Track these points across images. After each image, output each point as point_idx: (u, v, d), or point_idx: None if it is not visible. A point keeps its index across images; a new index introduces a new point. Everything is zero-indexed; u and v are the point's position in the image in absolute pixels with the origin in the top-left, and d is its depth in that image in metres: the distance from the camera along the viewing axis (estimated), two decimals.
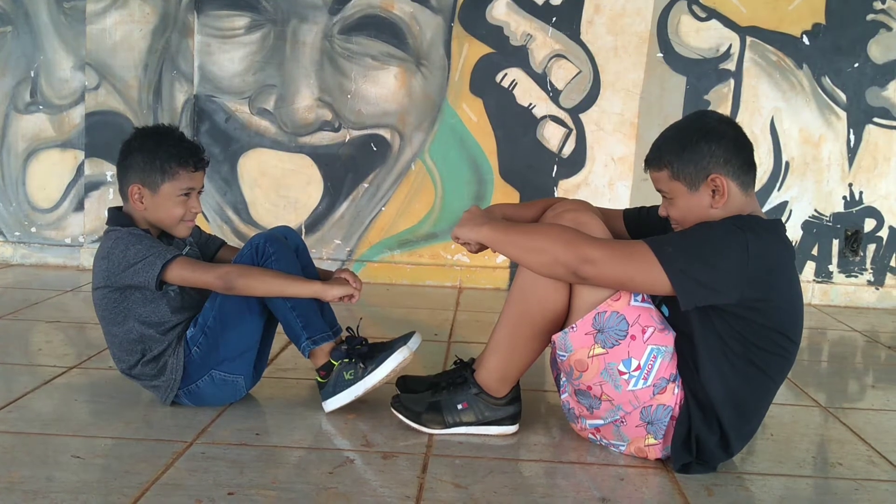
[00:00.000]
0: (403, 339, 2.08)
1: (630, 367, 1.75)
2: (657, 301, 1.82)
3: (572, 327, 1.77)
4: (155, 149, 2.01)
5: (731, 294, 1.66)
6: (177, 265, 1.96)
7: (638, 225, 2.05)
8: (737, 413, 1.78)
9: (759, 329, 1.71)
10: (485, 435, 1.97)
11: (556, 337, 1.81)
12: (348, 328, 2.14)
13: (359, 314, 2.46)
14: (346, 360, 2.05)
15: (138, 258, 1.96)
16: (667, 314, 1.82)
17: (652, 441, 1.82)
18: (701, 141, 1.73)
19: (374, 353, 2.05)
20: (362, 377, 2.02)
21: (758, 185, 3.80)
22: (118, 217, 2.07)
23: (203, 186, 2.12)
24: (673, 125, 1.85)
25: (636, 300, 1.75)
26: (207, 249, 2.27)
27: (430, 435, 1.97)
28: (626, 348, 1.74)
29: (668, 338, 1.77)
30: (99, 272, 2.02)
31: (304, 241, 2.21)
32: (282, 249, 2.04)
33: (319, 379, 2.08)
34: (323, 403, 2.07)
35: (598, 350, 1.76)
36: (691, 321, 1.74)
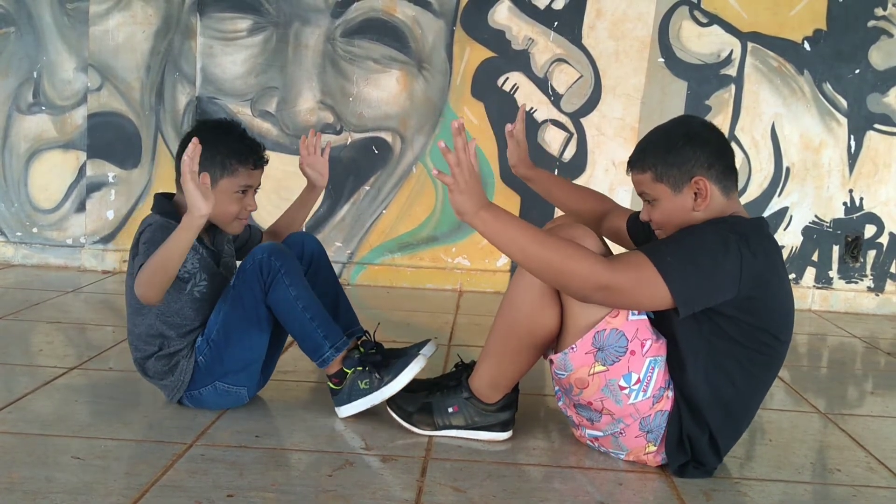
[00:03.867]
0: (418, 347, 2.05)
1: (630, 382, 1.75)
2: None
3: (572, 347, 1.76)
4: (216, 144, 1.95)
5: (725, 296, 1.66)
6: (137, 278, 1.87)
7: (641, 231, 2.06)
8: (724, 412, 1.78)
9: (745, 327, 1.71)
10: (475, 440, 1.97)
11: (556, 357, 1.80)
12: (365, 331, 2.14)
13: (359, 316, 2.45)
14: (360, 368, 2.02)
15: (136, 255, 1.92)
16: (652, 317, 1.82)
17: (651, 448, 1.83)
18: (686, 145, 1.75)
19: (387, 362, 2.02)
20: (379, 388, 1.99)
21: (758, 191, 3.84)
22: (162, 204, 2.03)
23: (260, 184, 2.07)
24: (656, 129, 1.85)
25: (633, 314, 1.74)
26: (255, 242, 2.26)
27: (425, 436, 1.98)
28: (626, 364, 1.74)
29: (662, 346, 1.78)
30: (130, 259, 1.98)
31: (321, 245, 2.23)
32: (288, 261, 1.98)
33: (332, 385, 2.06)
34: (337, 409, 2.06)
35: (599, 368, 1.75)
36: (674, 321, 1.74)
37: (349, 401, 2.03)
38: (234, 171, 1.99)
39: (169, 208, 2.01)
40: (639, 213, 2.10)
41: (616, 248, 1.95)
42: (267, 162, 2.08)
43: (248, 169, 2.01)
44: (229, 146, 1.98)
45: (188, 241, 1.81)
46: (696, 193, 1.75)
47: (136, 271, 1.87)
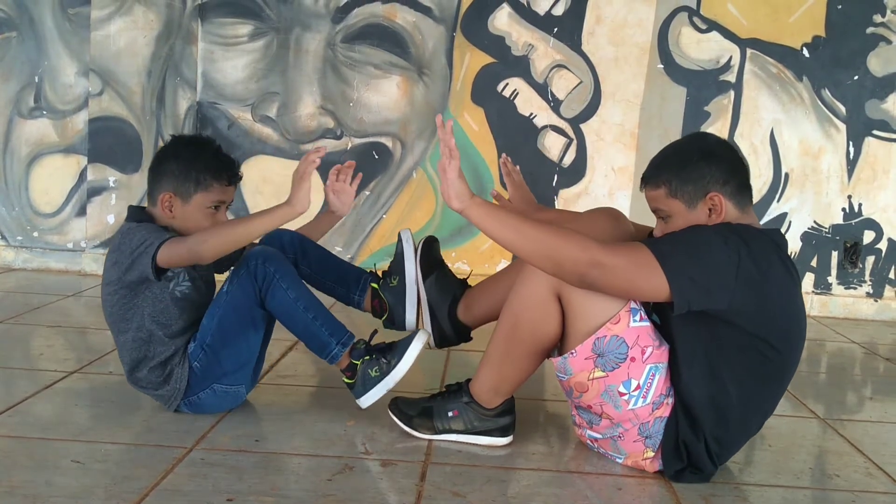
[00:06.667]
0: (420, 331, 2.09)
1: (630, 388, 1.75)
2: (647, 309, 1.81)
3: (572, 353, 1.76)
4: (192, 159, 2.00)
5: (723, 297, 1.65)
6: (164, 247, 1.90)
7: None
8: (718, 419, 1.77)
9: (742, 335, 1.71)
10: (475, 444, 1.97)
11: (556, 361, 1.81)
12: (370, 270, 2.22)
13: (359, 320, 2.46)
14: (367, 357, 2.04)
15: (138, 244, 1.92)
16: (658, 322, 1.82)
17: (650, 454, 1.83)
18: (701, 161, 1.75)
19: (392, 346, 2.05)
20: (388, 372, 2.02)
21: (757, 197, 3.83)
22: (137, 214, 2.05)
23: (233, 200, 2.11)
24: (671, 145, 1.86)
25: (634, 321, 1.74)
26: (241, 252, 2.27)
27: (425, 440, 1.98)
28: (625, 370, 1.74)
29: (665, 353, 1.78)
30: (109, 267, 2.00)
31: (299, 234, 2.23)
32: (282, 266, 2.01)
33: (346, 380, 2.07)
34: (357, 401, 2.06)
35: (598, 373, 1.76)
36: (674, 325, 1.74)
37: (365, 391, 2.04)
38: (208, 186, 2.01)
39: (144, 219, 2.03)
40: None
41: None
42: (241, 178, 2.10)
43: (222, 185, 2.03)
44: (204, 162, 2.01)
45: (272, 226, 1.97)
46: (710, 209, 1.74)
47: (155, 251, 1.89)
